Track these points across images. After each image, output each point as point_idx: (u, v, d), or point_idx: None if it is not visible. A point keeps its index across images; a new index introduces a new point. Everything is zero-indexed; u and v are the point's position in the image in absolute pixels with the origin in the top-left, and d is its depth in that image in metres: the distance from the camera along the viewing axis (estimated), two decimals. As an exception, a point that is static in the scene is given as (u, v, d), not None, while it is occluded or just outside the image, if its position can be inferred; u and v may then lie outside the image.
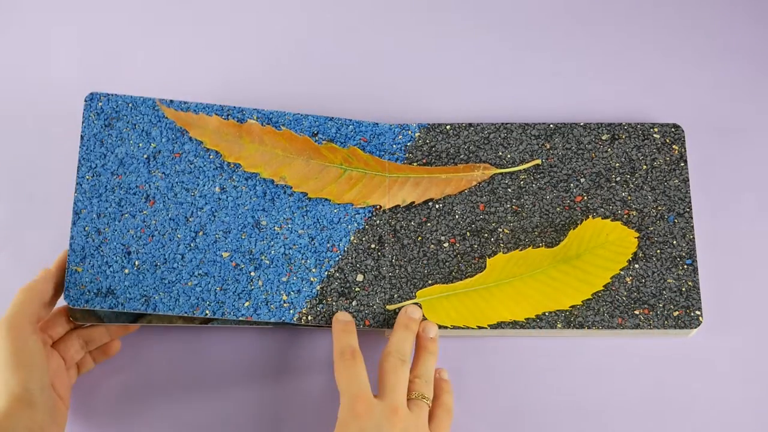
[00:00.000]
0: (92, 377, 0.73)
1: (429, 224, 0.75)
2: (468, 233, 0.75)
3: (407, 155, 0.77)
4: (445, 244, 0.75)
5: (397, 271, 0.74)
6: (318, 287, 0.74)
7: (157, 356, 0.75)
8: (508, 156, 0.77)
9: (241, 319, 0.72)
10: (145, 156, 0.74)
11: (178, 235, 0.73)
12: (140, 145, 0.74)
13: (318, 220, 0.75)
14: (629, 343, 0.76)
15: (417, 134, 0.77)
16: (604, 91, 0.84)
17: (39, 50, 0.82)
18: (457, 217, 0.76)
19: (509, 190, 0.76)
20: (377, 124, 0.78)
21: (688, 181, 0.76)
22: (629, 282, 0.74)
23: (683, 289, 0.74)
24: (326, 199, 0.76)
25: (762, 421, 0.74)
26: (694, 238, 0.75)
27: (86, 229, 0.72)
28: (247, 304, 0.72)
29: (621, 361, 0.76)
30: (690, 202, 0.76)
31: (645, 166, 0.76)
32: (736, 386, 0.75)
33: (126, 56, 0.82)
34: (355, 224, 0.75)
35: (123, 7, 0.84)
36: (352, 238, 0.75)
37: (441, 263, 0.75)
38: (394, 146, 0.77)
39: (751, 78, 0.84)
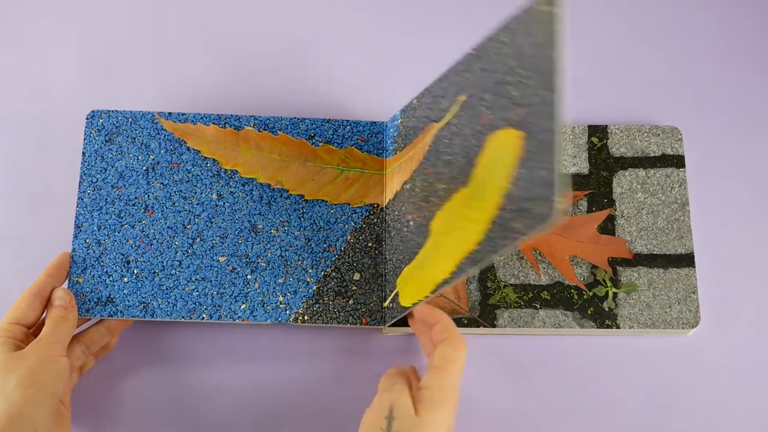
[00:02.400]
0: (90, 379, 0.74)
1: (403, 208, 0.73)
2: (422, 203, 0.71)
3: (395, 146, 0.76)
4: (411, 223, 0.72)
5: (389, 265, 0.73)
6: (314, 287, 0.73)
7: (153, 355, 0.75)
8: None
9: (237, 322, 0.72)
10: (144, 168, 0.75)
11: (176, 243, 0.74)
12: (139, 157, 0.76)
13: (314, 221, 0.74)
14: (629, 343, 0.75)
15: (400, 121, 0.76)
16: (602, 91, 0.82)
17: (40, 54, 0.83)
18: (417, 190, 0.72)
19: (446, 141, 0.70)
20: (375, 122, 0.77)
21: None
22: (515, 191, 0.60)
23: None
24: (323, 201, 0.75)
25: (762, 421, 0.73)
26: None
27: (87, 241, 0.73)
28: (243, 306, 0.72)
29: (621, 361, 0.75)
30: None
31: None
32: (735, 386, 0.74)
33: (125, 61, 0.83)
34: (352, 224, 0.75)
35: (122, 13, 0.85)
36: (349, 237, 0.74)
37: (408, 243, 0.72)
38: (389, 141, 0.76)
39: (752, 78, 0.83)
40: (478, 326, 0.73)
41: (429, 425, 0.60)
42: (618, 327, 0.73)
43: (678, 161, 0.77)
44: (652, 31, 0.85)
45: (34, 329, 0.69)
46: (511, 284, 0.74)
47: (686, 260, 0.75)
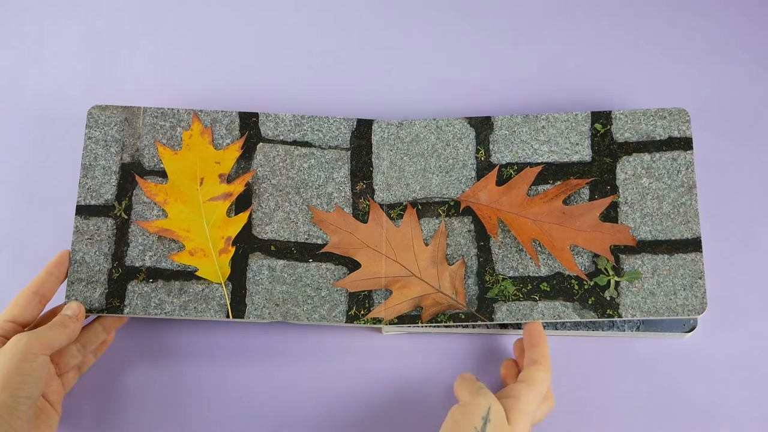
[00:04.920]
0: (88, 377, 0.74)
1: None
2: None
3: None
4: None
5: None
6: None
7: (150, 353, 0.75)
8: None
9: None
10: None
11: None
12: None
13: None
14: (629, 343, 0.74)
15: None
16: (602, 87, 0.82)
17: (39, 54, 0.85)
18: None
19: None
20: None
21: None
22: None
23: None
24: None
25: (762, 421, 0.73)
26: None
27: None
28: None
29: (621, 361, 0.74)
30: None
31: None
32: (735, 386, 0.74)
33: (125, 59, 0.85)
34: None
35: (123, 10, 0.86)
36: None
37: None
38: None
39: (752, 79, 0.82)
40: (476, 320, 0.71)
41: None
42: (620, 316, 0.70)
43: (685, 143, 0.74)
44: (651, 32, 0.84)
45: (30, 328, 0.69)
46: (509, 277, 0.72)
47: (693, 245, 0.72)
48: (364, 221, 0.75)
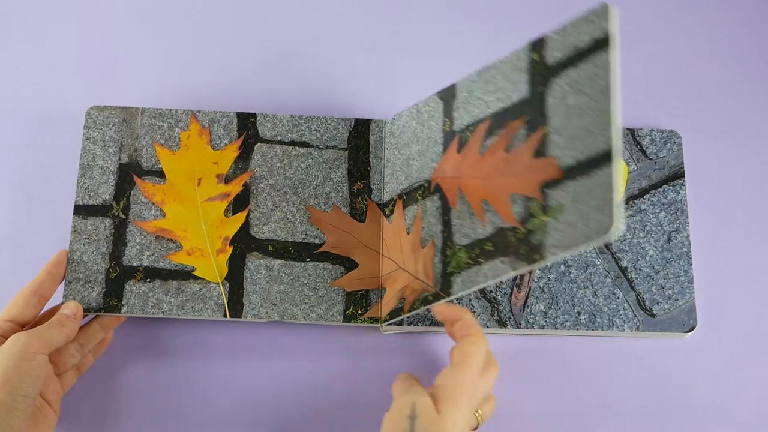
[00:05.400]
0: (87, 377, 0.74)
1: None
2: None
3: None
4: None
5: None
6: None
7: (150, 352, 0.75)
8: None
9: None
10: None
11: None
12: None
13: None
14: (629, 343, 0.75)
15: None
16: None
17: (39, 54, 0.85)
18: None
19: None
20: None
21: None
22: None
23: None
24: None
25: (762, 421, 0.73)
26: None
27: None
28: None
29: (621, 361, 0.74)
30: None
31: None
32: (735, 386, 0.74)
33: (125, 59, 0.85)
34: None
35: (123, 11, 0.87)
36: None
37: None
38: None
39: (748, 80, 0.83)
40: (439, 299, 0.69)
41: (449, 421, 0.61)
42: (543, 258, 0.63)
43: (603, 42, 0.60)
44: (649, 35, 0.84)
45: (28, 328, 0.69)
46: (464, 246, 0.68)
47: (604, 158, 0.59)
48: (362, 221, 0.75)
